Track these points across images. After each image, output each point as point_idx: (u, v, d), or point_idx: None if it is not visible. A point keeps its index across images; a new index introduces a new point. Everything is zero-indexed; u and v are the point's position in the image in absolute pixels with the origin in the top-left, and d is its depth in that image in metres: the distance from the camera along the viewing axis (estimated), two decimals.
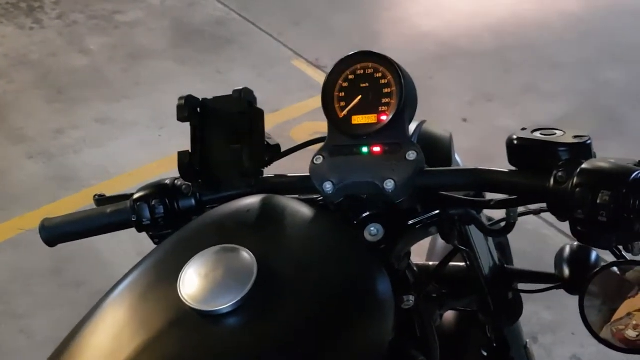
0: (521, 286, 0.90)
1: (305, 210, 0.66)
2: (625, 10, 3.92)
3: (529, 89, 3.24)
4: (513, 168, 0.64)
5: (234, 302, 0.53)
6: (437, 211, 0.71)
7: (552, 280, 0.84)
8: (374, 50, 0.70)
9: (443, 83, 3.26)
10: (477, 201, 0.69)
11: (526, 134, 0.62)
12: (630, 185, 0.53)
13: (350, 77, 0.70)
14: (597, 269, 0.60)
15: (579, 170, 0.56)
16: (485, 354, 1.07)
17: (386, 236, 0.69)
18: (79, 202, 2.47)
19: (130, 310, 0.57)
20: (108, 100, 3.24)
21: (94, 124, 3.07)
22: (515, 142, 0.62)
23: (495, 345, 1.08)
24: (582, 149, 0.59)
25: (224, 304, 0.53)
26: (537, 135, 0.62)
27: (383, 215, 0.70)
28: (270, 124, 2.85)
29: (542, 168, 0.60)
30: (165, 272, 0.59)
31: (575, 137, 0.60)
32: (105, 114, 3.13)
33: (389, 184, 0.66)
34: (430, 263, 0.85)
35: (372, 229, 0.70)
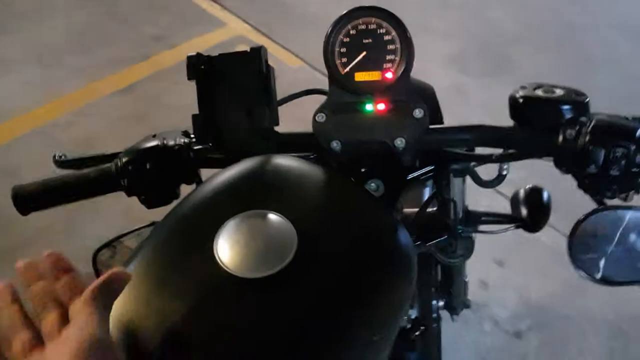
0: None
1: (322, 171, 0.66)
2: None
3: (423, 28, 3.34)
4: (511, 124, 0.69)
5: (278, 268, 0.53)
6: (433, 166, 0.74)
7: (513, 221, 0.92)
8: (378, 5, 0.69)
9: None
10: (480, 156, 0.73)
11: (529, 92, 0.66)
12: (638, 141, 0.60)
13: (351, 32, 0.69)
14: (590, 212, 0.66)
15: (590, 128, 0.61)
16: (433, 289, 1.17)
17: (387, 191, 0.72)
18: None
19: (168, 274, 0.55)
20: None
21: None
22: (520, 99, 0.66)
23: (440, 280, 1.18)
24: (583, 107, 0.65)
25: (268, 270, 0.53)
26: (540, 93, 0.66)
27: (383, 170, 0.72)
28: (170, 62, 2.71)
29: (545, 124, 0.65)
30: (199, 238, 0.57)
31: (576, 95, 0.65)
32: None
33: (400, 142, 0.68)
34: (409, 210, 0.89)
35: (372, 184, 0.72)
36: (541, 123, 0.65)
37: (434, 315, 1.14)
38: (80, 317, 0.45)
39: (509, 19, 3.30)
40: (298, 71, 2.82)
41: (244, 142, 0.68)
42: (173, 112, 2.68)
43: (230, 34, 3.04)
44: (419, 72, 0.78)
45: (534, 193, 0.93)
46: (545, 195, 0.92)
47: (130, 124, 2.42)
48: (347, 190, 0.66)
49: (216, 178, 0.65)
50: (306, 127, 0.72)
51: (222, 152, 0.71)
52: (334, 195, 0.63)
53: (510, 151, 0.70)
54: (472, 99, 2.67)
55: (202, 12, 3.22)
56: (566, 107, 0.64)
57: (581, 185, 0.63)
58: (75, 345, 0.42)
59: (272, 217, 0.57)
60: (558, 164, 0.65)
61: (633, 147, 0.59)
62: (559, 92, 0.66)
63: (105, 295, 0.47)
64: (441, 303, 1.29)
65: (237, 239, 0.56)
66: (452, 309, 1.35)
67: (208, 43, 2.96)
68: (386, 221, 0.63)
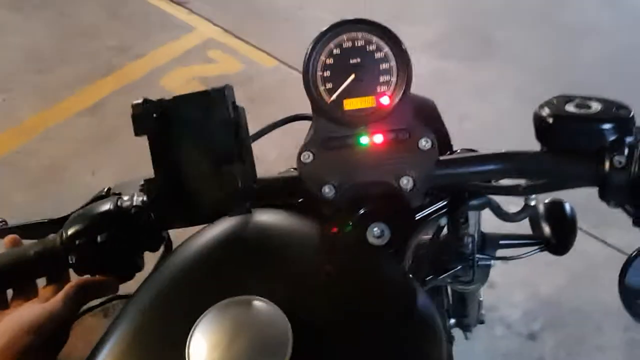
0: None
1: (315, 229, 0.54)
2: None
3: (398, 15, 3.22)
4: (538, 148, 0.57)
5: None
6: (446, 201, 0.62)
7: (535, 243, 0.80)
8: (363, 17, 0.56)
9: (312, 13, 3.13)
10: (504, 188, 0.60)
11: (559, 109, 0.54)
12: None
13: (335, 51, 0.56)
14: None
15: None
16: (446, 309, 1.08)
17: (394, 237, 0.59)
18: None
19: None
20: None
21: None
22: (549, 119, 0.54)
23: (452, 302, 1.08)
24: (628, 124, 0.53)
25: None
26: (572, 109, 0.54)
27: (387, 212, 0.60)
28: (139, 74, 2.54)
29: (584, 148, 0.53)
30: (169, 338, 0.45)
31: (617, 108, 0.53)
32: None
33: (406, 182, 0.55)
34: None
35: (375, 229, 0.60)
36: (579, 147, 0.53)
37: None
38: (52, 299, 0.54)
39: None
40: (274, 72, 2.68)
41: (216, 205, 0.55)
42: None
43: (199, 38, 2.88)
44: None
45: (555, 207, 0.81)
46: (567, 208, 0.80)
47: (99, 146, 2.27)
48: (350, 255, 0.53)
49: (186, 250, 0.53)
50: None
51: (190, 216, 0.57)
52: (333, 265, 0.51)
53: (541, 181, 0.57)
54: (458, 85, 2.55)
55: (168, 17, 3.06)
56: (608, 126, 0.52)
57: (637, 222, 0.52)
58: (34, 312, 0.51)
59: (258, 306, 0.45)
60: (605, 197, 0.53)
61: None
62: (595, 106, 0.54)
63: (82, 293, 0.55)
64: (452, 321, 1.19)
65: (214, 342, 0.43)
66: (466, 327, 1.24)
67: (178, 50, 2.80)
68: (403, 291, 0.51)
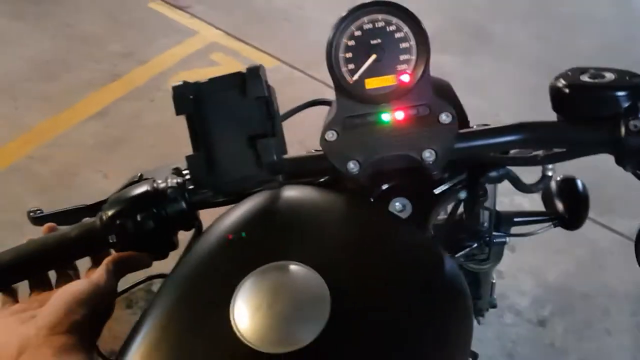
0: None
1: (343, 200, 0.56)
2: None
3: None
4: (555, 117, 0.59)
5: (310, 339, 0.44)
6: (465, 174, 0.65)
7: (549, 219, 0.83)
8: None
9: (312, 13, 3.16)
10: (523, 159, 0.63)
11: (574, 79, 0.57)
12: None
13: (356, 33, 0.59)
14: None
15: None
16: None
17: (415, 210, 0.62)
18: None
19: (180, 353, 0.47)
20: None
21: None
22: (566, 89, 0.57)
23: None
24: None
25: (297, 343, 0.44)
26: (587, 79, 0.57)
27: (408, 186, 0.63)
28: (143, 79, 2.56)
29: (600, 116, 0.55)
30: (213, 302, 0.48)
31: (630, 77, 0.56)
32: None
33: (429, 155, 0.58)
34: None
35: (397, 204, 0.63)
36: (595, 114, 0.56)
37: None
38: (94, 273, 0.56)
39: None
40: (275, 72, 2.70)
41: (250, 179, 0.58)
42: (152, 132, 2.58)
43: (202, 42, 2.91)
44: None
45: (568, 184, 0.84)
46: (579, 184, 0.83)
47: (108, 149, 2.30)
48: (378, 223, 0.56)
49: (223, 222, 0.55)
50: None
51: (226, 192, 0.60)
52: (363, 232, 0.54)
53: (559, 150, 0.60)
54: (456, 78, 2.58)
55: (170, 22, 3.09)
56: (622, 93, 0.55)
57: None
58: (81, 286, 0.53)
59: (296, 269, 0.48)
60: (621, 162, 0.55)
61: None
62: (609, 75, 0.57)
63: (120, 266, 0.57)
64: None
65: (256, 303, 0.46)
66: (478, 312, 1.27)
67: (181, 54, 2.83)
68: (430, 255, 0.54)
